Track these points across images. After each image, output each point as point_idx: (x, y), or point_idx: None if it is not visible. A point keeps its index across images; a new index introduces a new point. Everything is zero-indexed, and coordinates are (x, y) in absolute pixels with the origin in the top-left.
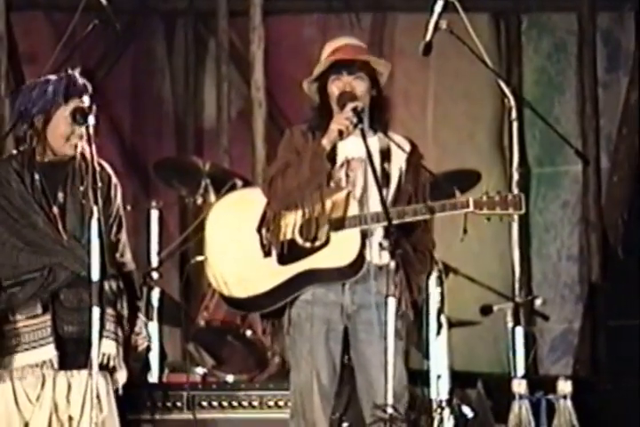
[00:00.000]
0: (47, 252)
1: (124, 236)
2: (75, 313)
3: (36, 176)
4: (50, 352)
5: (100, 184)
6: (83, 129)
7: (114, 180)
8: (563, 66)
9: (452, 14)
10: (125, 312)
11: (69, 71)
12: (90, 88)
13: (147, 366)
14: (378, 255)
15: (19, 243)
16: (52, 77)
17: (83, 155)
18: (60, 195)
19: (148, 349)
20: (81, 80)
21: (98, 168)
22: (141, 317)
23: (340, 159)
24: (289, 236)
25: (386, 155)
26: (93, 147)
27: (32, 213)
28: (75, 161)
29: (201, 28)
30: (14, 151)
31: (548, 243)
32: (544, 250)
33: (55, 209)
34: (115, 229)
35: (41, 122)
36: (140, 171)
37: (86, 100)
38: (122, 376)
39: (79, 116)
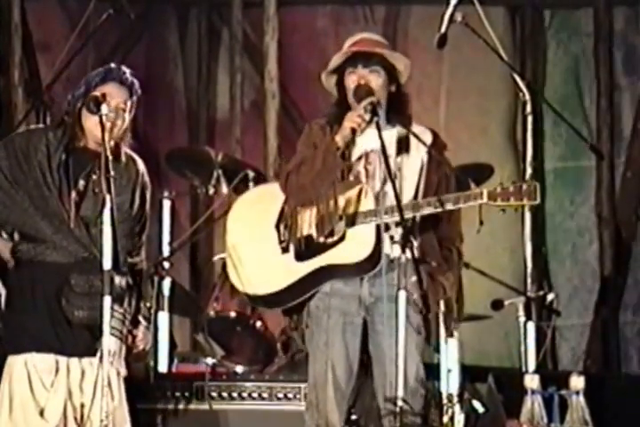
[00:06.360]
0: (54, 228)
1: (144, 237)
2: (85, 298)
3: (63, 157)
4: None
5: (112, 173)
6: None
7: (145, 178)
8: (589, 66)
9: (467, 7)
10: (131, 310)
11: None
12: (137, 85)
13: (149, 369)
14: (398, 249)
15: (37, 210)
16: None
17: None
18: (82, 182)
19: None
20: (124, 71)
21: (110, 157)
22: (143, 321)
23: (358, 152)
24: (306, 232)
25: (404, 147)
26: (106, 135)
27: (45, 190)
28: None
29: (215, 19)
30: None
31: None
32: (580, 255)
33: (74, 194)
34: (137, 229)
35: (78, 107)
36: (152, 160)
37: (122, 89)
38: (122, 373)
39: (92, 104)
